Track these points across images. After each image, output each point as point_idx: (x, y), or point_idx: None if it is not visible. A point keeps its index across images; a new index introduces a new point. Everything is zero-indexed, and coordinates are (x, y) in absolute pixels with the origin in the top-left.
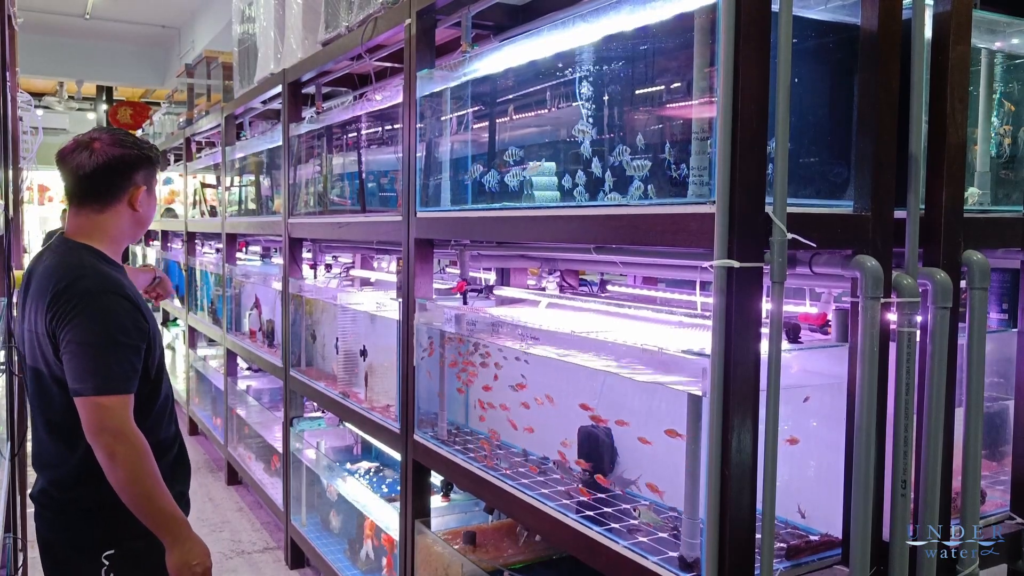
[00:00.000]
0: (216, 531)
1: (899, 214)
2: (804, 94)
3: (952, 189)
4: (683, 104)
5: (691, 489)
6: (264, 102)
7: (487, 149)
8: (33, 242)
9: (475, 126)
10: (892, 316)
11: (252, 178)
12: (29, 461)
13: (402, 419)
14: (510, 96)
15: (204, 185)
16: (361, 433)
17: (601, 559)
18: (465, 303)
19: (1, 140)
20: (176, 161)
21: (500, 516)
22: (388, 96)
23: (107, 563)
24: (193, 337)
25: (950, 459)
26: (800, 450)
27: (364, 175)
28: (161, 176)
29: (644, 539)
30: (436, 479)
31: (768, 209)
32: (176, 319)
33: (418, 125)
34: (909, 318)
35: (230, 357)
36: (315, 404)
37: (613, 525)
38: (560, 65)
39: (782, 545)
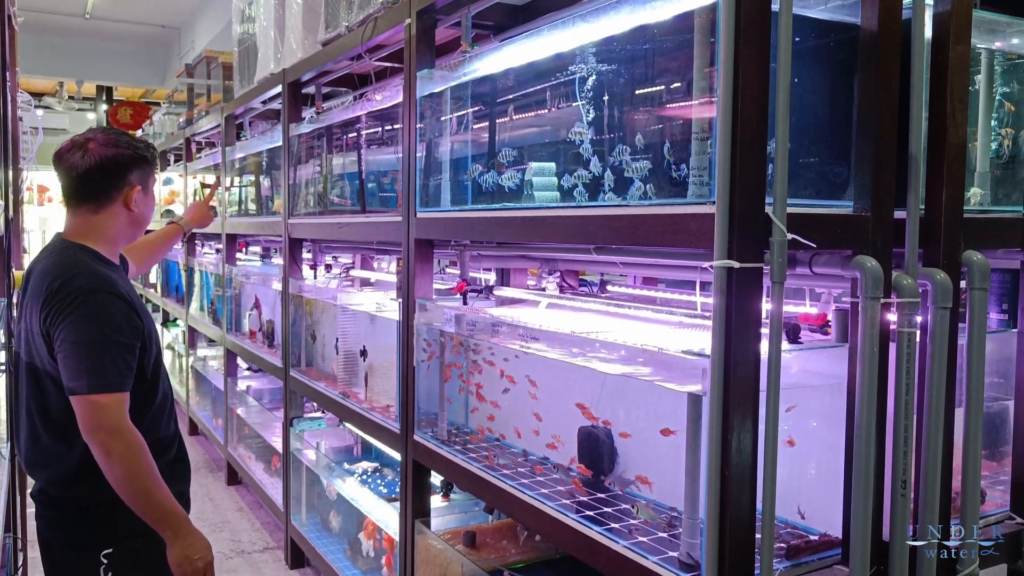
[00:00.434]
0: (216, 531)
1: (899, 214)
2: (804, 94)
3: (952, 189)
4: (683, 104)
5: (691, 489)
6: (264, 102)
7: (487, 149)
8: (33, 242)
9: (475, 126)
10: (892, 316)
11: (252, 178)
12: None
13: (402, 419)
14: (510, 96)
15: (204, 185)
16: (361, 433)
17: (601, 559)
18: (465, 303)
19: (1, 140)
20: (176, 161)
21: (500, 516)
22: (388, 96)
23: (105, 562)
24: (193, 337)
25: (950, 459)
26: (800, 450)
27: (364, 175)
28: (161, 176)
29: (644, 539)
30: (436, 479)
31: (768, 209)
32: (176, 319)
33: (418, 125)
34: (909, 318)
35: (230, 357)
36: (315, 404)
37: (613, 525)
38: (560, 65)
39: (782, 545)
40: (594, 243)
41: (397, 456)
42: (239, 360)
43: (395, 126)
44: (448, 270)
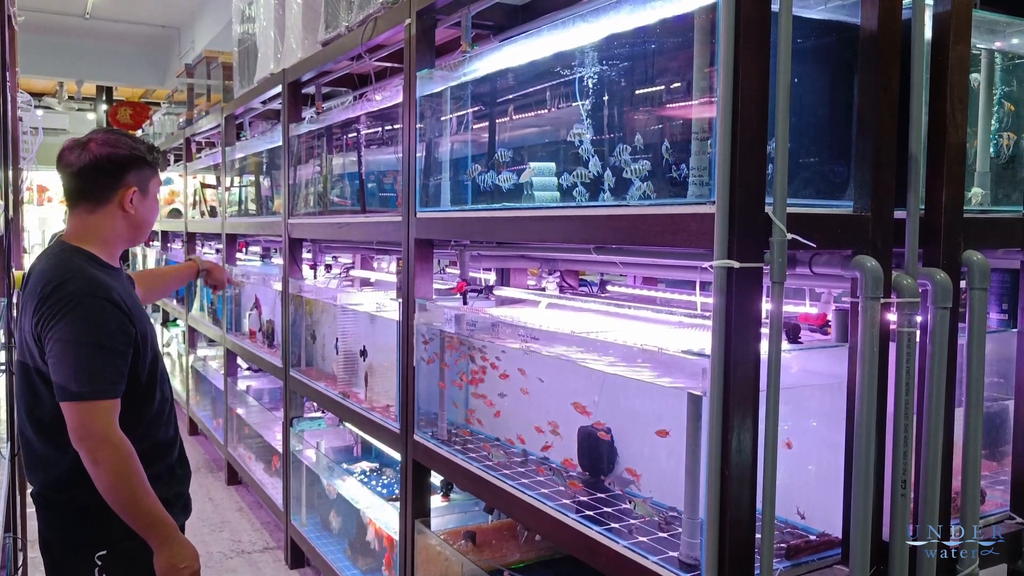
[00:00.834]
0: (216, 531)
1: (899, 214)
2: (804, 94)
3: (952, 189)
4: (683, 104)
5: (691, 489)
6: (264, 102)
7: (487, 149)
8: (33, 242)
9: (475, 126)
10: (892, 316)
11: (252, 178)
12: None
13: (402, 419)
14: (510, 96)
15: (204, 185)
16: (361, 433)
17: (601, 559)
18: (465, 303)
19: (1, 140)
20: (176, 161)
21: (500, 516)
22: (388, 96)
23: (100, 563)
24: (193, 337)
25: (950, 459)
26: (800, 450)
27: (364, 175)
28: (161, 176)
29: (644, 539)
30: (436, 479)
31: (768, 209)
32: (176, 319)
33: (418, 125)
34: (909, 318)
35: (230, 357)
36: (315, 404)
37: (613, 525)
38: (560, 65)
39: (782, 545)
40: (594, 243)
41: (397, 456)
42: (239, 360)
43: (395, 126)
44: (448, 270)
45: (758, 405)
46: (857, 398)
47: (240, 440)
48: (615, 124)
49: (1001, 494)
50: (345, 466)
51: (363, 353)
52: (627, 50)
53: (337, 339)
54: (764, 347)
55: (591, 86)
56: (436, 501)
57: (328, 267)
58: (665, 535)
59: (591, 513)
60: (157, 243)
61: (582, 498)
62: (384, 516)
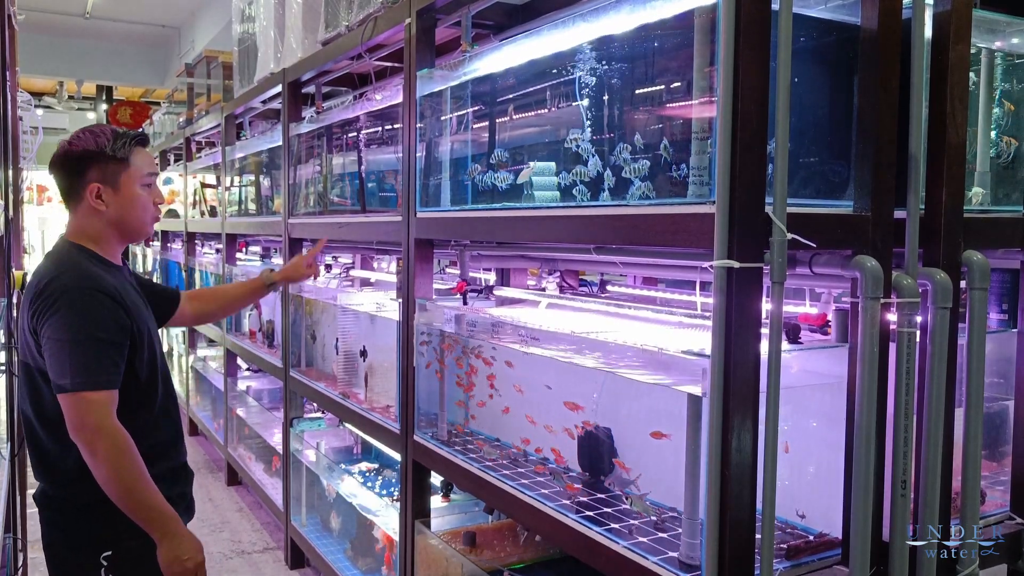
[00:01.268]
0: (216, 531)
1: (899, 214)
2: (804, 94)
3: (952, 189)
4: (683, 104)
5: (691, 489)
6: (264, 102)
7: (487, 149)
8: (33, 242)
9: (475, 126)
10: (892, 316)
11: (252, 178)
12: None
13: (402, 419)
14: (510, 96)
15: (204, 185)
16: (361, 434)
17: (601, 559)
18: (465, 303)
19: (1, 140)
20: (176, 161)
21: (500, 516)
22: (388, 96)
23: (105, 564)
24: (193, 337)
25: (950, 459)
26: (800, 450)
27: (364, 175)
28: (161, 176)
29: (644, 539)
30: (436, 479)
31: (768, 209)
32: None
33: (418, 125)
34: (909, 318)
35: (230, 357)
36: (315, 405)
37: (613, 525)
38: (560, 65)
39: (782, 545)
40: (594, 243)
41: (397, 456)
42: (239, 360)
43: (395, 126)
44: (448, 270)
45: (758, 405)
46: (857, 398)
47: (240, 440)
48: (615, 123)
49: (1001, 494)
50: (345, 466)
51: (363, 353)
52: (627, 50)
53: (337, 339)
54: (764, 347)
55: (591, 86)
56: (436, 501)
57: (328, 267)
58: (665, 535)
59: (591, 513)
60: (157, 243)
61: (582, 498)
62: (384, 516)
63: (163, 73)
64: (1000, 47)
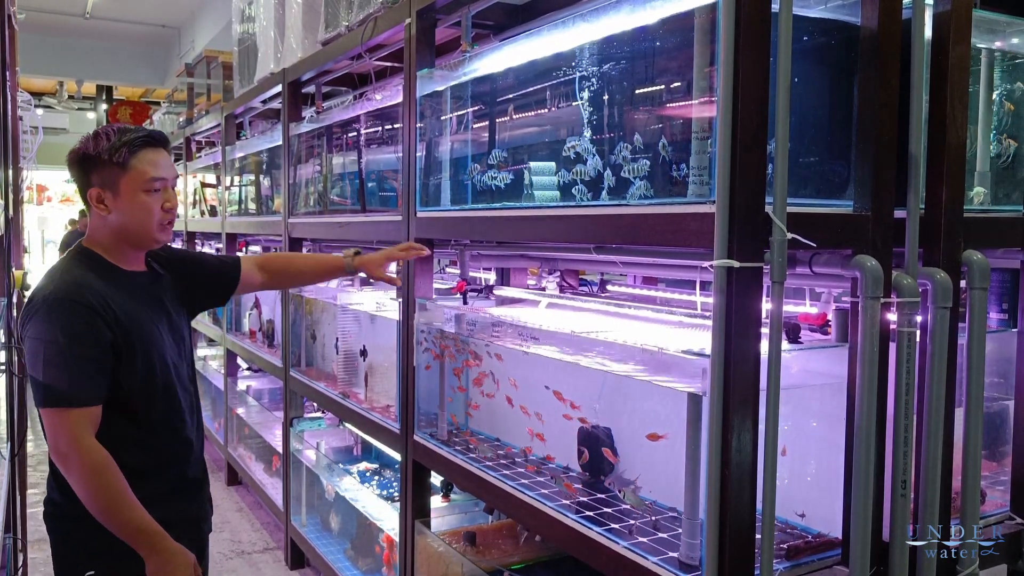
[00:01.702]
0: (216, 531)
1: (899, 214)
2: (804, 94)
3: (952, 189)
4: (683, 104)
5: (691, 489)
6: (264, 102)
7: (487, 148)
8: (33, 242)
9: (475, 125)
10: (892, 316)
11: (252, 178)
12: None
13: (402, 419)
14: (510, 96)
15: (204, 185)
16: (361, 433)
17: (601, 559)
18: (465, 303)
19: (1, 140)
20: (176, 161)
21: (500, 516)
22: (388, 96)
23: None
24: (193, 337)
25: (950, 459)
26: (800, 450)
27: (364, 174)
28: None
29: (644, 539)
30: (436, 479)
31: (768, 209)
32: None
33: (418, 125)
34: (909, 318)
35: (230, 357)
36: (315, 404)
37: (613, 525)
38: (560, 65)
39: (782, 545)
40: (594, 243)
41: (397, 456)
42: (239, 360)
43: (395, 126)
44: (448, 270)
45: (758, 405)
46: (857, 398)
47: (240, 440)
48: (615, 123)
49: (1001, 494)
50: (345, 466)
51: (363, 353)
52: (627, 49)
53: (337, 339)
54: (764, 347)
55: (591, 86)
56: (436, 501)
57: None
58: (665, 535)
59: (591, 513)
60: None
61: (582, 498)
62: (384, 516)
63: (163, 73)
64: (1000, 47)
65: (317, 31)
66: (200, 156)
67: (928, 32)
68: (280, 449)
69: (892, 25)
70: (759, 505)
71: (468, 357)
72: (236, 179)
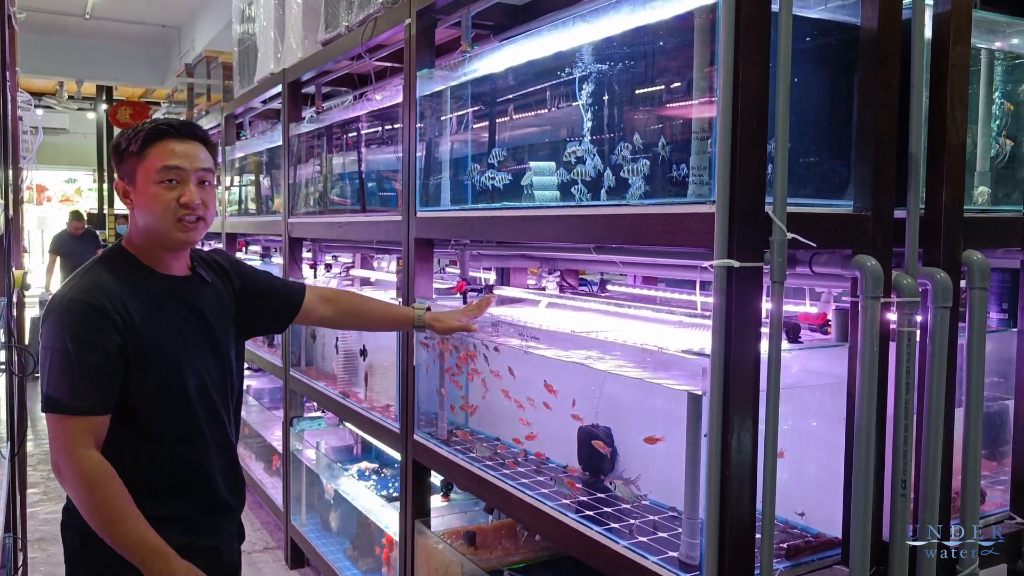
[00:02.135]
0: None
1: (899, 214)
2: (804, 94)
3: (952, 189)
4: (683, 104)
5: (691, 489)
6: (264, 102)
7: (487, 148)
8: (33, 242)
9: (475, 126)
10: (892, 316)
11: (252, 178)
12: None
13: (402, 419)
14: (510, 96)
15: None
16: (361, 433)
17: (601, 559)
18: (465, 303)
19: (1, 140)
20: None
21: (500, 516)
22: (388, 96)
23: None
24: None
25: (950, 459)
26: (800, 450)
27: (364, 174)
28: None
29: (644, 539)
30: (436, 479)
31: (768, 209)
32: None
33: (418, 125)
34: (909, 318)
35: None
36: (315, 404)
37: (613, 525)
38: (560, 65)
39: (782, 545)
40: (594, 243)
41: (397, 456)
42: None
43: (395, 126)
44: (448, 270)
45: (758, 405)
46: (857, 398)
47: (240, 440)
48: (615, 123)
49: (1001, 494)
50: (345, 466)
51: (363, 353)
52: (627, 50)
53: (337, 339)
54: (764, 347)
55: (591, 86)
56: (436, 501)
57: (328, 266)
58: (665, 535)
59: (591, 513)
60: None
61: (582, 498)
62: (384, 516)
63: (163, 73)
64: (1000, 47)
65: (317, 31)
66: None
67: (928, 32)
68: (280, 448)
69: (892, 25)
70: (759, 505)
71: (468, 357)
72: (236, 179)
